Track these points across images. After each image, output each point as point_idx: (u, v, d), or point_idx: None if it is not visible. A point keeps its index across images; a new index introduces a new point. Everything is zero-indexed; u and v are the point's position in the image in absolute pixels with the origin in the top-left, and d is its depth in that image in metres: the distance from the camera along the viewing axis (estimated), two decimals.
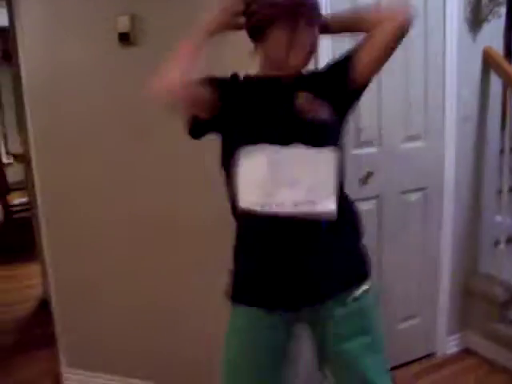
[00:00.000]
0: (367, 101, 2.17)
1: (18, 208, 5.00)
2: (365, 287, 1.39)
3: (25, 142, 3.26)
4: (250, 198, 1.27)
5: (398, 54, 2.27)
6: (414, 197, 2.49)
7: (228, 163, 1.31)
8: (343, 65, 1.36)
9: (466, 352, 2.74)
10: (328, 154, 1.27)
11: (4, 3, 5.74)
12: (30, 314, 3.55)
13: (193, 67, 1.29)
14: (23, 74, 2.44)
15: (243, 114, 1.34)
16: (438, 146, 2.49)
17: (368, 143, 2.30)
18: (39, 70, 2.38)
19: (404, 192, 2.44)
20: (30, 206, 4.12)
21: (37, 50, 2.37)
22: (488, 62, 2.53)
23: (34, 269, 4.19)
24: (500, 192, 2.67)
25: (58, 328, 2.67)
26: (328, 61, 1.47)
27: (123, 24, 2.08)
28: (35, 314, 3.55)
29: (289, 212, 1.24)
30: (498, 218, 2.70)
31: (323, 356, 1.44)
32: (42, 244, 2.78)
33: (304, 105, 1.30)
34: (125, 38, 2.08)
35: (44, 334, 3.15)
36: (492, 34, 2.54)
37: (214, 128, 1.38)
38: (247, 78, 1.43)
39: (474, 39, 2.50)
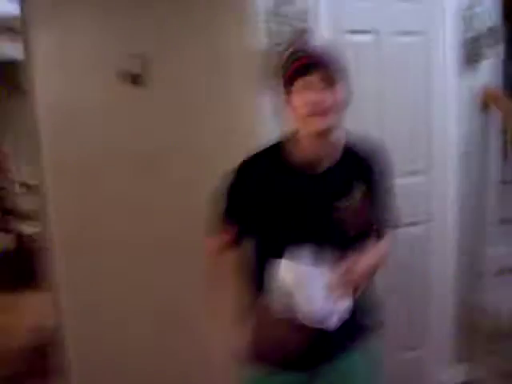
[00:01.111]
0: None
1: (31, 238, 5.08)
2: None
3: (39, 173, 3.36)
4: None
5: (400, 89, 2.39)
6: (417, 230, 2.55)
7: (264, 250, 1.44)
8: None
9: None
10: None
11: (16, 36, 5.97)
12: (38, 343, 3.59)
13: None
14: (39, 107, 2.55)
15: (281, 206, 1.41)
16: (441, 180, 2.57)
17: None
18: (55, 106, 2.48)
19: (407, 225, 2.49)
20: (41, 235, 4.22)
21: (53, 86, 2.47)
22: (487, 99, 2.61)
23: (42, 298, 4.27)
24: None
25: (70, 356, 2.71)
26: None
27: (135, 65, 2.18)
28: (43, 343, 3.59)
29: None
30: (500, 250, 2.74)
31: None
32: (53, 273, 2.84)
33: (345, 218, 1.37)
34: (136, 80, 2.18)
35: (52, 365, 3.20)
36: (490, 71, 2.63)
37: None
38: (265, 154, 1.47)
39: (474, 76, 2.58)
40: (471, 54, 2.53)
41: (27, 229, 5.13)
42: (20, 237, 4.98)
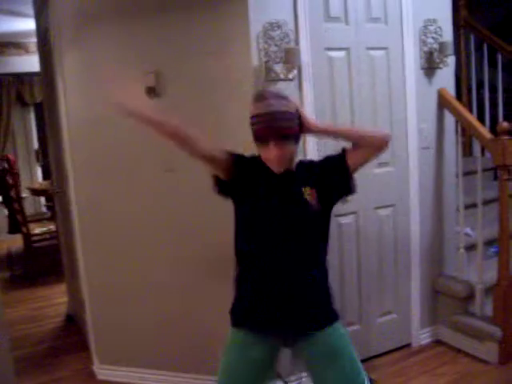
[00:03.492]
0: None
1: (38, 237, 5.47)
2: (335, 325, 1.88)
3: (58, 178, 3.79)
4: None
5: (368, 97, 2.86)
6: (385, 212, 3.04)
7: (244, 230, 1.87)
8: (340, 161, 1.84)
9: (437, 342, 3.25)
10: None
11: (23, 51, 6.47)
12: (60, 326, 4.03)
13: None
14: (63, 118, 3.00)
15: (261, 197, 1.84)
16: (403, 170, 3.06)
17: None
18: (78, 116, 2.92)
19: (376, 208, 3.00)
20: (56, 233, 4.64)
21: (76, 99, 2.92)
22: (442, 101, 3.12)
23: (57, 290, 4.74)
24: (458, 208, 3.22)
25: (91, 331, 3.16)
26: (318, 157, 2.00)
27: (150, 79, 2.64)
28: (63, 326, 4.03)
29: None
30: (458, 229, 3.24)
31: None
32: (75, 265, 3.27)
33: (310, 199, 1.80)
34: (151, 91, 2.65)
35: (74, 342, 3.67)
36: (444, 78, 3.13)
37: (233, 194, 1.89)
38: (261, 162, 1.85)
39: (430, 83, 3.09)
40: (427, 65, 3.04)
41: (35, 229, 5.52)
42: (30, 237, 5.36)
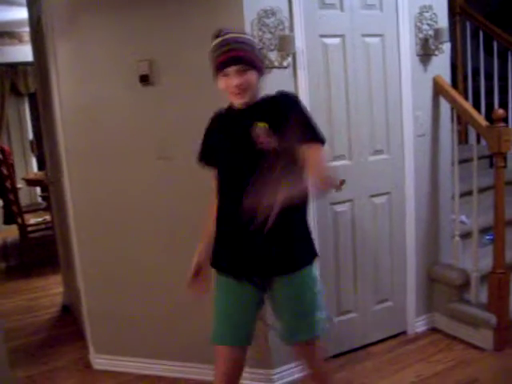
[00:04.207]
0: (338, 123, 2.78)
1: (34, 228, 5.46)
2: (303, 270, 1.92)
3: (52, 168, 3.77)
4: None
5: (363, 84, 2.85)
6: (380, 200, 3.03)
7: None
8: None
9: (432, 330, 3.26)
10: None
11: (16, 41, 6.44)
12: (55, 317, 4.04)
13: None
14: (57, 108, 2.97)
15: (218, 143, 1.97)
16: (399, 158, 3.05)
17: (341, 156, 2.85)
18: (71, 106, 2.90)
19: (372, 196, 3.00)
20: (52, 224, 4.62)
21: (69, 88, 2.90)
22: (437, 88, 3.10)
23: (53, 280, 4.74)
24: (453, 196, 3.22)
25: (87, 321, 3.16)
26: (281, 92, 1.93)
27: (143, 67, 2.62)
28: (59, 316, 4.03)
29: None
30: (453, 217, 3.23)
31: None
32: (71, 255, 3.26)
33: (258, 136, 1.79)
34: (145, 79, 2.62)
35: (69, 332, 3.66)
36: (440, 65, 3.11)
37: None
38: (222, 111, 2.00)
39: (425, 70, 3.07)
40: (422, 52, 3.02)
41: (30, 220, 5.50)
42: (25, 227, 5.34)
